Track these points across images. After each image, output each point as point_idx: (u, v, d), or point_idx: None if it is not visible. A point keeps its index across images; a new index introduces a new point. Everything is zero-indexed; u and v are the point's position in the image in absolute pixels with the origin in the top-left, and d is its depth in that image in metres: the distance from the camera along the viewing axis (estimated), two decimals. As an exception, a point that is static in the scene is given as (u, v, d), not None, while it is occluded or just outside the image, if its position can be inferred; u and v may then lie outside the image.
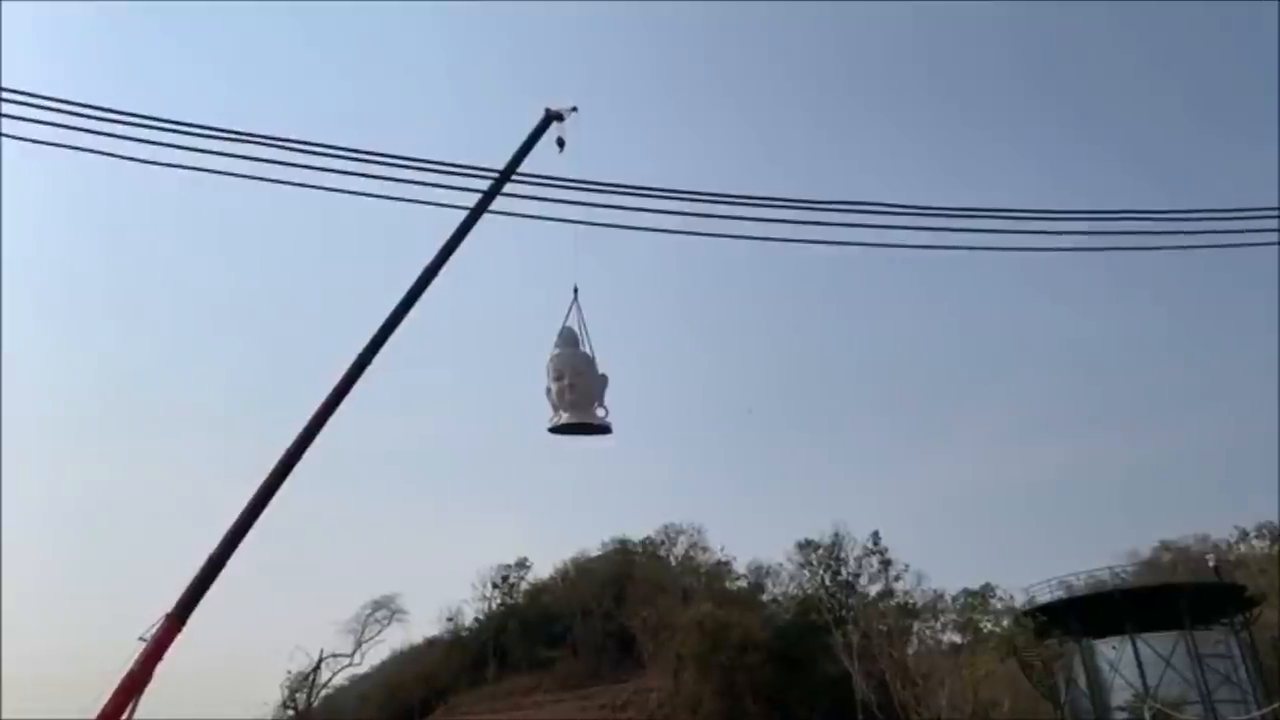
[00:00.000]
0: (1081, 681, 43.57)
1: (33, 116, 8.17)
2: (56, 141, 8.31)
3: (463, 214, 10.85)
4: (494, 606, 78.24)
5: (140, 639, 8.84)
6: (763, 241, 10.04)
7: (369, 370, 10.51)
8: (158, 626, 8.89)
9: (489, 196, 10.90)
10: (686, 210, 9.80)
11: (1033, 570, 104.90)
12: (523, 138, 11.78)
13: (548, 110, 12.12)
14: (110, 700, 8.44)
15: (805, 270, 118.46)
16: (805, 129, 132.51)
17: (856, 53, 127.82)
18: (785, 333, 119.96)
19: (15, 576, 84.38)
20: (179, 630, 9.01)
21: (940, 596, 52.03)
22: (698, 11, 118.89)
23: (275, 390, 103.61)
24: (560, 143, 11.98)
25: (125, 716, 8.52)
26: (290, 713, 60.25)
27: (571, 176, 10.20)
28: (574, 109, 12.22)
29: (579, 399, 11.25)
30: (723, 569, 68.14)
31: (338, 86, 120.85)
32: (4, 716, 35.96)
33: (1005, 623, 46.40)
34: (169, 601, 9.07)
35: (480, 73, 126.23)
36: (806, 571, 58.98)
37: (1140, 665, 40.99)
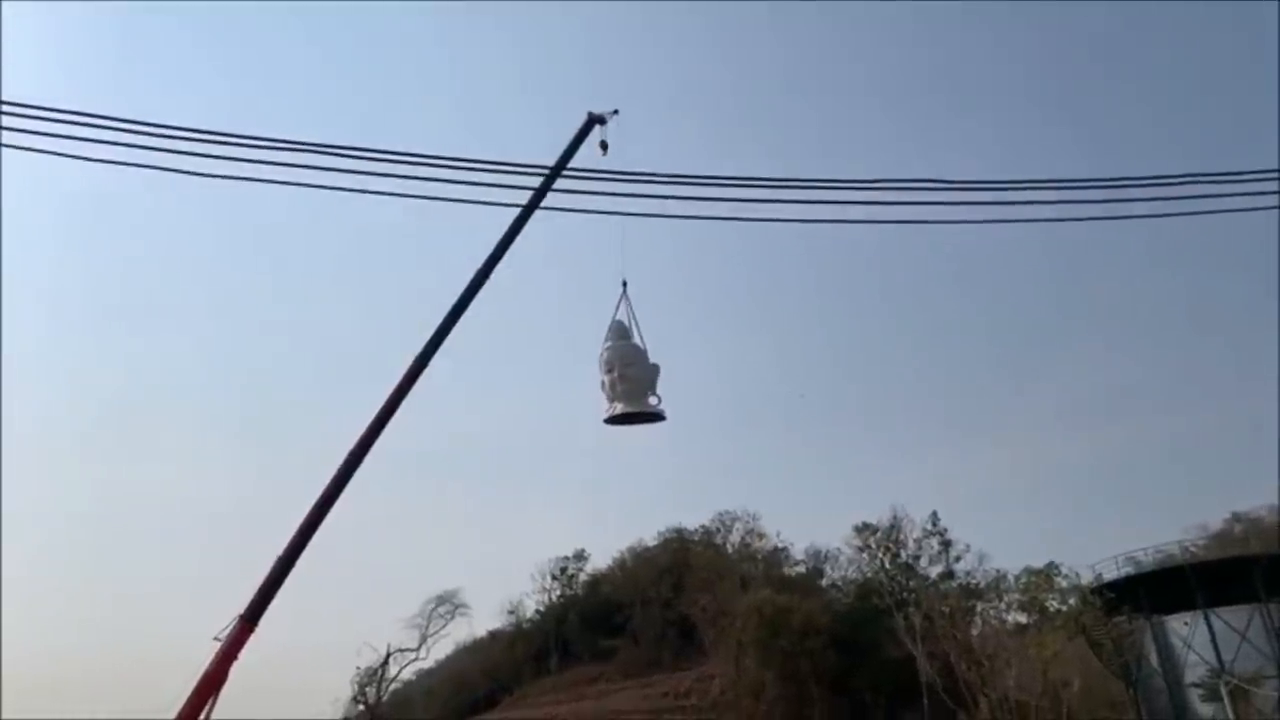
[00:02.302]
0: (1153, 659, 42.52)
1: (90, 135, 8.40)
2: (109, 159, 8.54)
3: (509, 211, 10.94)
4: (554, 598, 79.13)
5: (215, 639, 9.10)
6: (811, 223, 9.92)
7: (428, 368, 10.69)
8: (231, 627, 9.14)
9: (535, 199, 11.09)
10: (733, 197, 9.72)
11: (1098, 548, 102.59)
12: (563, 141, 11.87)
13: (590, 114, 12.15)
14: (188, 700, 8.70)
15: (856, 251, 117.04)
16: (870, 113, 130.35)
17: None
18: (838, 314, 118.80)
19: (86, 578, 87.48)
20: (251, 631, 9.25)
21: (1003, 576, 51.12)
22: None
23: (323, 397, 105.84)
24: (604, 145, 12.02)
25: (203, 716, 8.77)
26: (360, 707, 61.58)
27: (614, 170, 10.21)
28: (615, 112, 12.25)
29: (632, 389, 11.51)
30: (780, 555, 67.90)
31: (365, 87, 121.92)
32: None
33: (1072, 601, 45.40)
34: (240, 602, 9.32)
35: (490, 68, 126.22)
36: (865, 555, 58.40)
37: (1214, 640, 39.87)
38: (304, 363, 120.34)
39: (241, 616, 9.23)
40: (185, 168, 8.85)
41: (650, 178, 9.75)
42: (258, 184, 9.16)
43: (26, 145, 8.23)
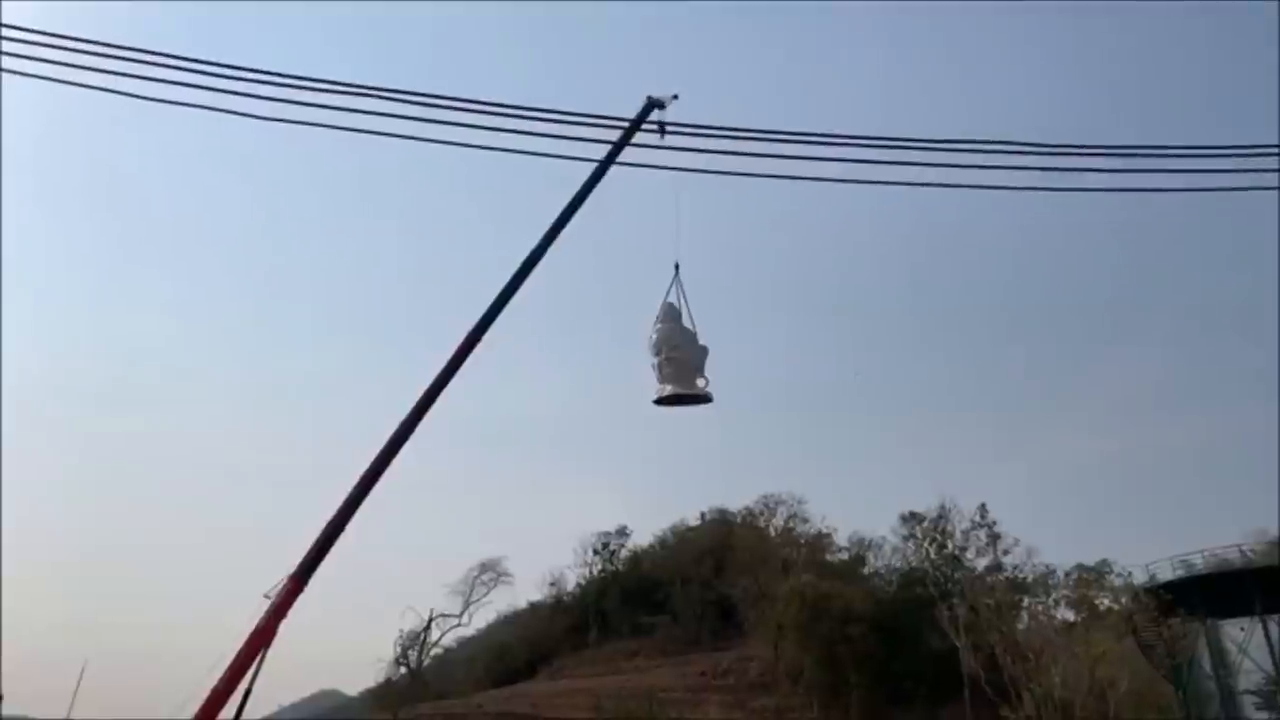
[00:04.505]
0: (1205, 663, 41.39)
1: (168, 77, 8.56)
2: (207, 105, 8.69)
3: (582, 166, 10.98)
4: (595, 573, 79.89)
5: (265, 596, 9.34)
6: (866, 195, 9.75)
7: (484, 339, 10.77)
8: (281, 586, 9.37)
9: (592, 181, 11.19)
10: (792, 154, 9.60)
11: (1150, 548, 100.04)
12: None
13: (649, 98, 12.03)
14: (238, 653, 8.95)
15: (910, 233, 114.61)
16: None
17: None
18: (891, 298, 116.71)
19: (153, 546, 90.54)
20: (301, 590, 9.46)
21: (1052, 572, 50.22)
22: None
23: (377, 364, 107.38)
24: (661, 128, 11.89)
25: (254, 667, 9.04)
26: (403, 669, 62.95)
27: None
28: (675, 96, 12.09)
29: (680, 371, 11.60)
30: (823, 541, 67.49)
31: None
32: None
33: (1124, 600, 44.37)
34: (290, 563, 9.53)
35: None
36: (911, 544, 57.82)
37: (1271, 647, 38.73)
38: (349, 324, 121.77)
39: (292, 575, 9.44)
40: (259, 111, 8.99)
41: (736, 133, 9.69)
42: (302, 126, 9.26)
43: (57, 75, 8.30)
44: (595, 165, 11.27)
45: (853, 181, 9.95)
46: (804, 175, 9.88)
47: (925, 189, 9.94)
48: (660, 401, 11.71)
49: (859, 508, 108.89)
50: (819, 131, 9.78)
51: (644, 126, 11.72)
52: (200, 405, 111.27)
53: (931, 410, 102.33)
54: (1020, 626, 45.88)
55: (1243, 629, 40.11)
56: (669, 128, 11.49)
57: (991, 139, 9.53)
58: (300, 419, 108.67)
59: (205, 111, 8.86)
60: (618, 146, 11.42)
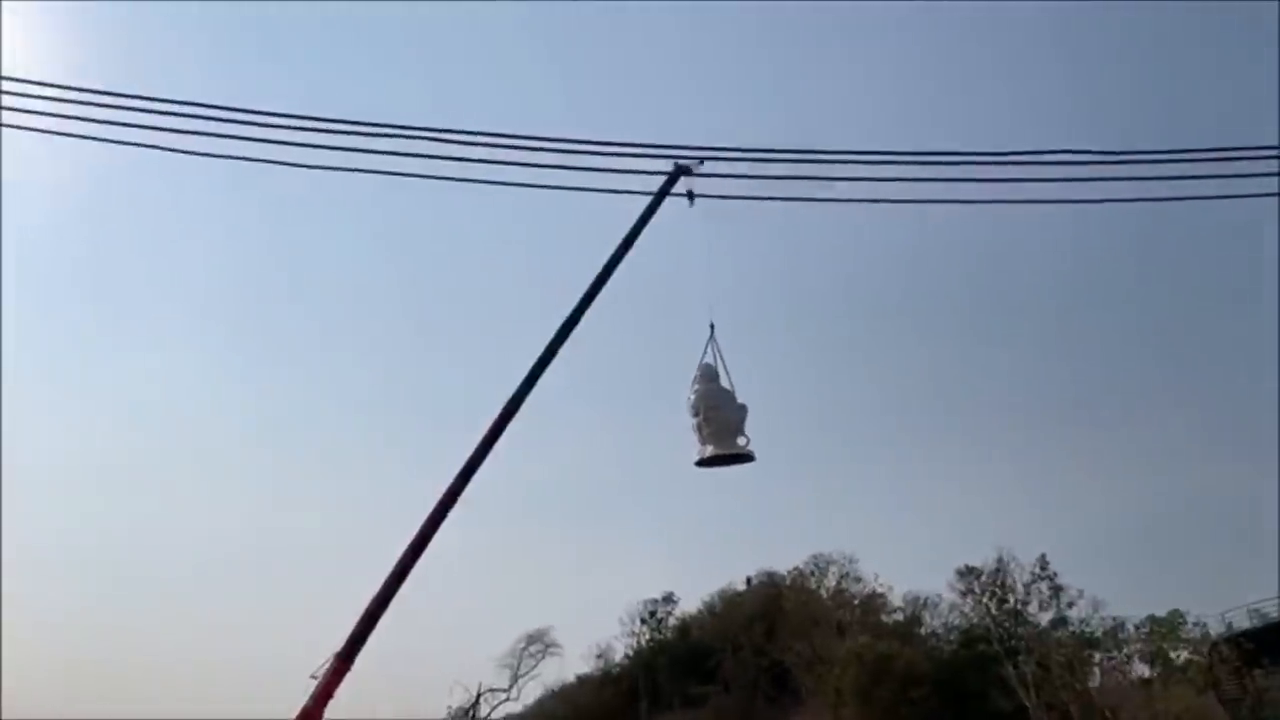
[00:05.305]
0: (1297, 717, 39.02)
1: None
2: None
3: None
4: (643, 642, 78.31)
5: (311, 677, 9.20)
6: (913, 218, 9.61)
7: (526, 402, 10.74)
8: (327, 665, 9.23)
9: (620, 252, 11.22)
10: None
11: (1223, 596, 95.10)
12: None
13: (676, 164, 12.05)
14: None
15: (957, 264, 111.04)
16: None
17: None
18: (940, 340, 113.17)
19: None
20: (347, 670, 9.29)
21: (1121, 624, 48.17)
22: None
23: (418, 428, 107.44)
24: (690, 196, 11.93)
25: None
26: (453, 748, 61.95)
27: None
28: (701, 161, 12.11)
29: (719, 431, 11.57)
30: (877, 601, 65.70)
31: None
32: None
33: (1203, 652, 42.31)
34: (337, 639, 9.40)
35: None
36: (969, 600, 55.95)
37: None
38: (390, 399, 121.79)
39: (337, 655, 9.30)
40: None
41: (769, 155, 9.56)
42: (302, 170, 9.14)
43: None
44: (623, 235, 11.31)
45: (903, 202, 9.71)
46: (845, 198, 9.73)
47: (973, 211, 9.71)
48: (702, 463, 11.65)
49: (908, 563, 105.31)
50: (860, 150, 9.59)
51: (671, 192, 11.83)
52: (220, 480, 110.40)
53: (983, 454, 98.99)
54: (1092, 684, 43.95)
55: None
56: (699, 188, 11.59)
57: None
58: (330, 493, 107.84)
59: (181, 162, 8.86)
60: (642, 220, 11.37)
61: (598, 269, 11.38)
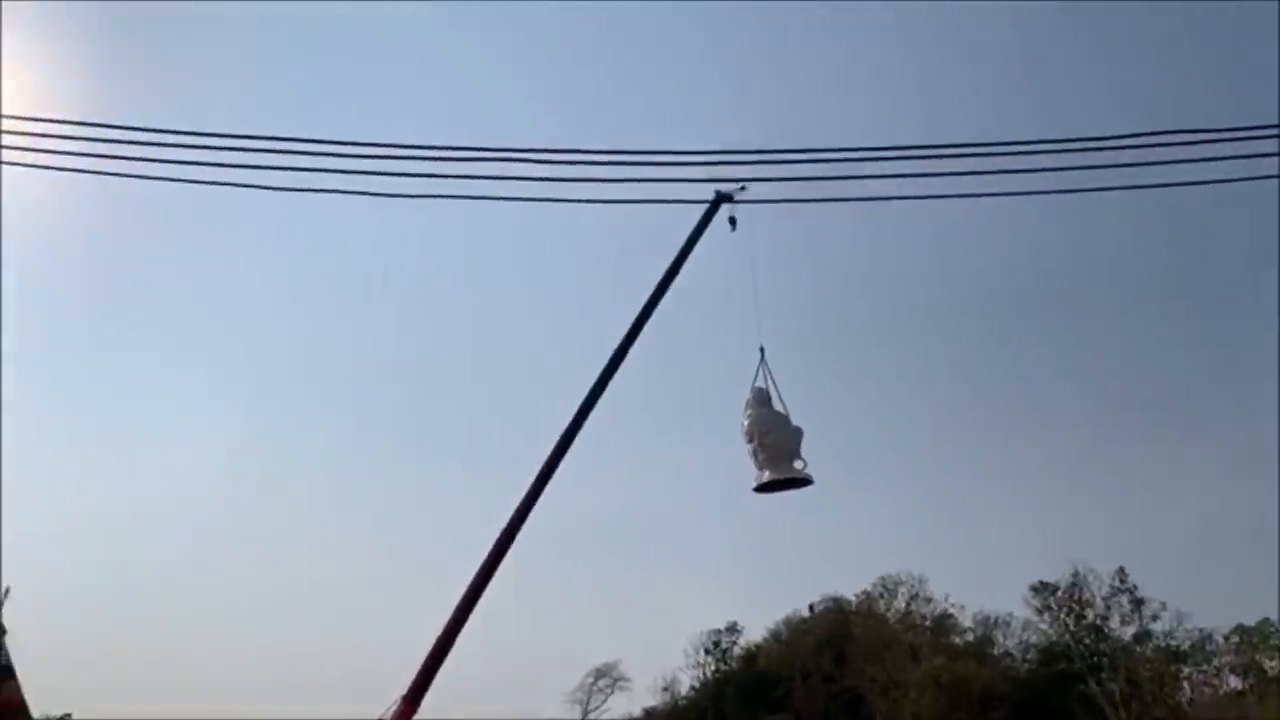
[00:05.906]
0: None
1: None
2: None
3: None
4: (709, 673, 77.14)
5: (379, 720, 9.23)
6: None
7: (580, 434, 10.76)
8: (394, 709, 9.25)
9: (658, 293, 11.30)
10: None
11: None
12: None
13: (718, 193, 12.09)
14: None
15: (1024, 266, 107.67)
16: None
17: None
18: (1009, 349, 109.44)
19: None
20: (414, 712, 9.31)
21: (1208, 636, 46.14)
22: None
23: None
24: (732, 221, 11.98)
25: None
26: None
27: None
28: (743, 187, 12.13)
29: (775, 456, 11.52)
30: (948, 622, 63.88)
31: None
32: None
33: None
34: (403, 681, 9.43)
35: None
36: (1045, 617, 54.14)
37: None
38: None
39: (404, 697, 9.33)
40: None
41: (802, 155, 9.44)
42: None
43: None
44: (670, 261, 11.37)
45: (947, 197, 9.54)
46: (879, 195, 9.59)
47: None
48: (760, 488, 11.54)
49: (971, 582, 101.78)
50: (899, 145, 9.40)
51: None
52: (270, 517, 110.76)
53: (1054, 465, 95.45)
54: (1182, 699, 42.10)
55: None
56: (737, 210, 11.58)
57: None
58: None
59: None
60: (685, 251, 11.48)
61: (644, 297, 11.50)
